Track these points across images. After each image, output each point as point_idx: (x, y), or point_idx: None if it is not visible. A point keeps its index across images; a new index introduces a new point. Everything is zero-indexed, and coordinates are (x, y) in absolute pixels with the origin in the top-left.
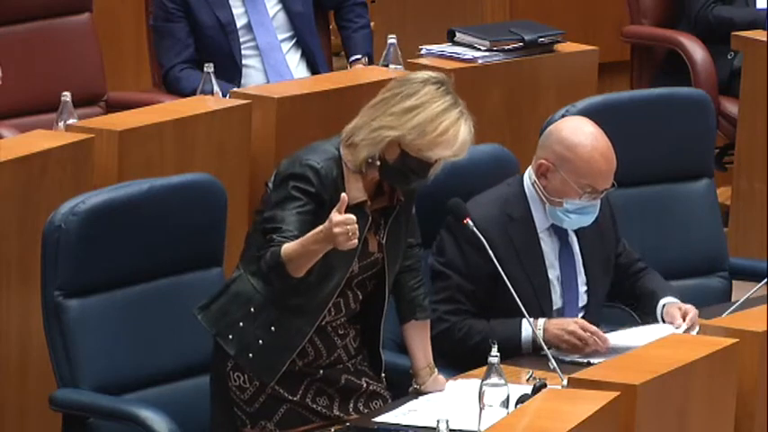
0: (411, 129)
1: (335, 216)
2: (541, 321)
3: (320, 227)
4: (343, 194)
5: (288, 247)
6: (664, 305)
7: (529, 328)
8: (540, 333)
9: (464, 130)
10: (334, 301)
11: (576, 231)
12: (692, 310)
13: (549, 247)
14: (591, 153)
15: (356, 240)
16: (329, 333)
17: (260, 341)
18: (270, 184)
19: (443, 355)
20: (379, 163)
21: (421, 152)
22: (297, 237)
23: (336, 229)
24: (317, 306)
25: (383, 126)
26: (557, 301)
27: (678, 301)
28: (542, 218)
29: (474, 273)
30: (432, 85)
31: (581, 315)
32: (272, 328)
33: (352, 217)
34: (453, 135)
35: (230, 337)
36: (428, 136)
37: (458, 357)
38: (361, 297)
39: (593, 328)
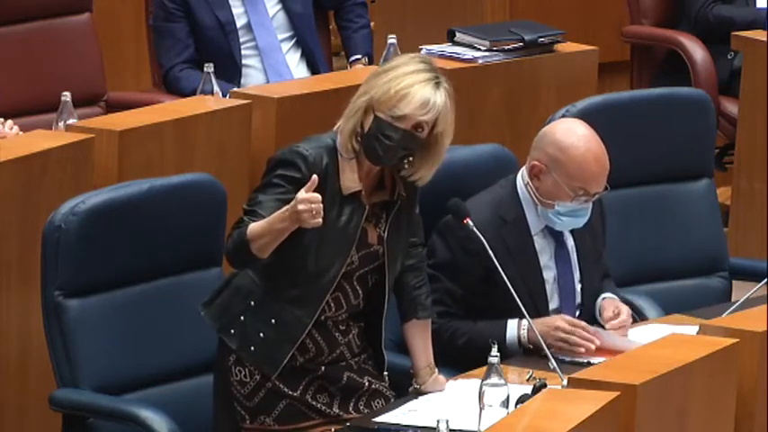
0: (378, 88)
1: (300, 194)
2: (526, 321)
3: (286, 206)
4: (314, 176)
5: (254, 227)
6: (603, 298)
7: (513, 328)
8: (524, 333)
9: (430, 91)
10: (334, 295)
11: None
12: (624, 311)
13: (543, 248)
14: (584, 156)
15: (320, 219)
16: (330, 329)
17: (261, 334)
18: None
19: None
20: (358, 136)
21: (389, 111)
22: None
23: (300, 206)
24: (317, 297)
25: (359, 95)
26: (553, 302)
27: (616, 298)
28: (536, 219)
29: (464, 276)
30: (411, 58)
31: (577, 313)
32: (273, 320)
33: (317, 196)
34: (417, 92)
35: (232, 331)
36: (392, 91)
37: (445, 358)
38: (361, 293)
39: (581, 323)
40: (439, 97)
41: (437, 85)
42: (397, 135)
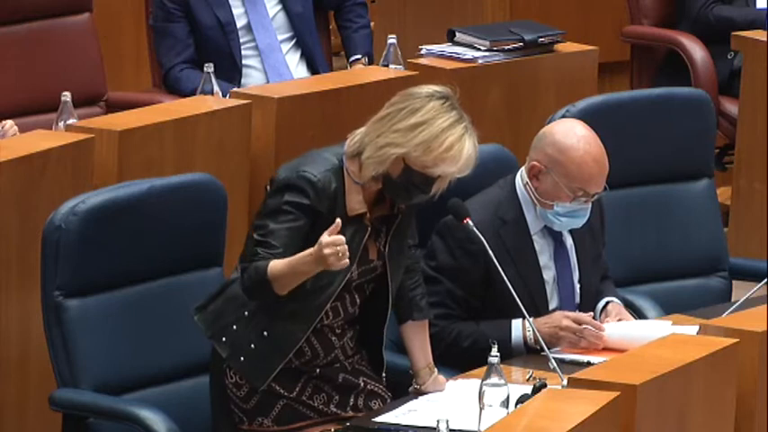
0: (416, 146)
1: (325, 238)
2: (529, 322)
3: (310, 250)
4: (338, 220)
5: (275, 266)
6: (606, 302)
7: (519, 328)
8: (530, 334)
9: (468, 146)
10: (333, 305)
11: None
12: (627, 317)
13: (542, 248)
14: (583, 157)
15: (347, 261)
16: (326, 334)
17: (252, 345)
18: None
19: (435, 358)
20: (381, 178)
21: (426, 168)
22: (282, 254)
23: (326, 251)
24: (312, 313)
25: (389, 143)
26: (553, 302)
27: (620, 304)
28: (535, 219)
29: (464, 278)
30: (437, 101)
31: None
32: (265, 333)
33: (342, 238)
34: (458, 151)
35: (223, 339)
36: (433, 153)
37: (449, 360)
38: (359, 301)
39: (586, 317)
40: (473, 149)
41: (468, 133)
42: (428, 185)
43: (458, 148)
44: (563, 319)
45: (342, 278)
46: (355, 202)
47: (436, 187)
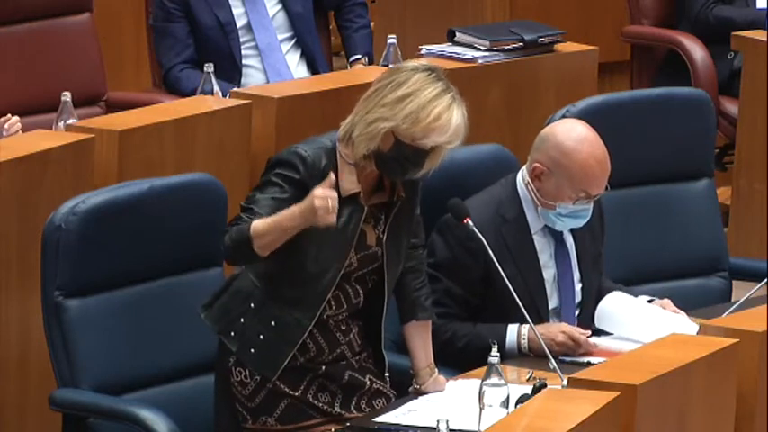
0: (404, 117)
1: (317, 190)
2: (525, 329)
3: (295, 206)
4: (331, 174)
5: (258, 223)
6: (649, 300)
7: (513, 334)
8: (525, 342)
9: (457, 115)
10: (334, 294)
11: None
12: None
13: (543, 247)
14: (586, 159)
15: (335, 217)
16: (331, 328)
17: (261, 336)
18: None
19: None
20: (373, 154)
21: (415, 140)
22: None
23: (317, 202)
24: (316, 299)
25: (377, 118)
26: (552, 301)
27: (655, 298)
28: (536, 218)
29: (463, 275)
30: (422, 73)
31: (577, 312)
32: (273, 322)
33: (333, 192)
34: (447, 120)
35: (232, 333)
36: (422, 123)
37: (443, 359)
38: (362, 292)
39: (582, 338)
40: (462, 118)
41: (456, 103)
42: (420, 158)
43: (446, 118)
44: (559, 333)
45: (341, 263)
46: (348, 182)
47: (429, 163)
